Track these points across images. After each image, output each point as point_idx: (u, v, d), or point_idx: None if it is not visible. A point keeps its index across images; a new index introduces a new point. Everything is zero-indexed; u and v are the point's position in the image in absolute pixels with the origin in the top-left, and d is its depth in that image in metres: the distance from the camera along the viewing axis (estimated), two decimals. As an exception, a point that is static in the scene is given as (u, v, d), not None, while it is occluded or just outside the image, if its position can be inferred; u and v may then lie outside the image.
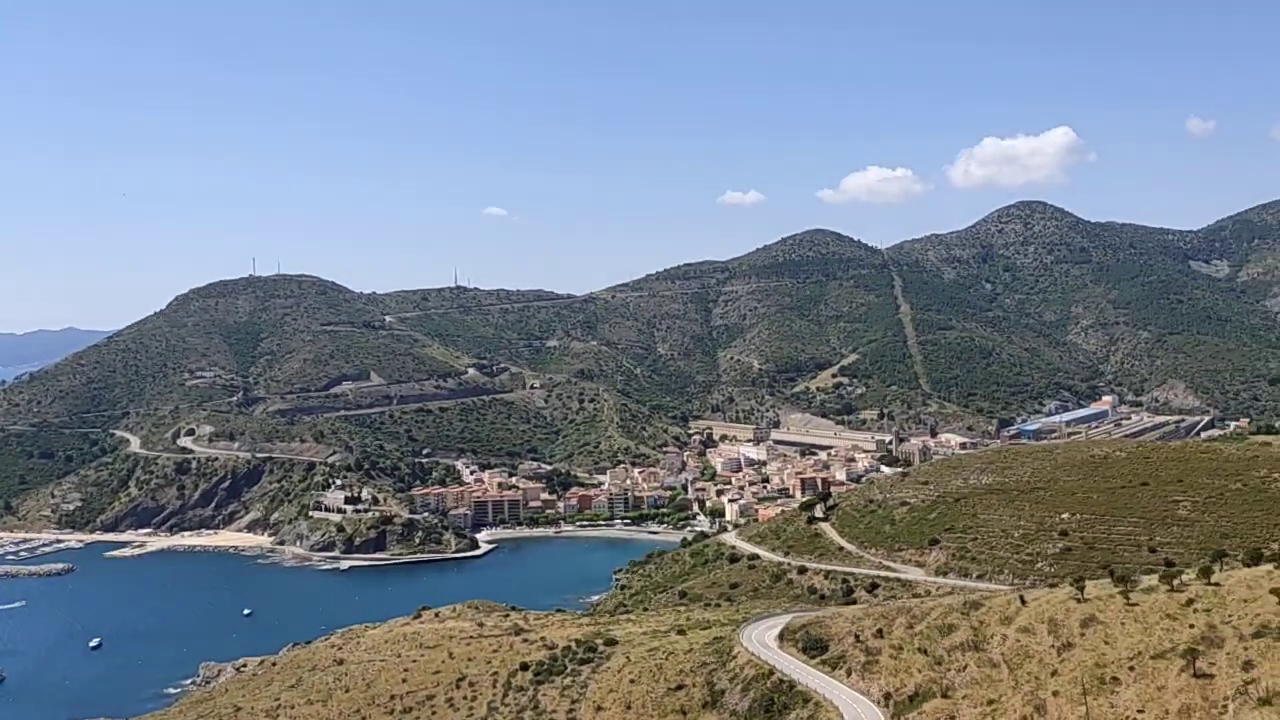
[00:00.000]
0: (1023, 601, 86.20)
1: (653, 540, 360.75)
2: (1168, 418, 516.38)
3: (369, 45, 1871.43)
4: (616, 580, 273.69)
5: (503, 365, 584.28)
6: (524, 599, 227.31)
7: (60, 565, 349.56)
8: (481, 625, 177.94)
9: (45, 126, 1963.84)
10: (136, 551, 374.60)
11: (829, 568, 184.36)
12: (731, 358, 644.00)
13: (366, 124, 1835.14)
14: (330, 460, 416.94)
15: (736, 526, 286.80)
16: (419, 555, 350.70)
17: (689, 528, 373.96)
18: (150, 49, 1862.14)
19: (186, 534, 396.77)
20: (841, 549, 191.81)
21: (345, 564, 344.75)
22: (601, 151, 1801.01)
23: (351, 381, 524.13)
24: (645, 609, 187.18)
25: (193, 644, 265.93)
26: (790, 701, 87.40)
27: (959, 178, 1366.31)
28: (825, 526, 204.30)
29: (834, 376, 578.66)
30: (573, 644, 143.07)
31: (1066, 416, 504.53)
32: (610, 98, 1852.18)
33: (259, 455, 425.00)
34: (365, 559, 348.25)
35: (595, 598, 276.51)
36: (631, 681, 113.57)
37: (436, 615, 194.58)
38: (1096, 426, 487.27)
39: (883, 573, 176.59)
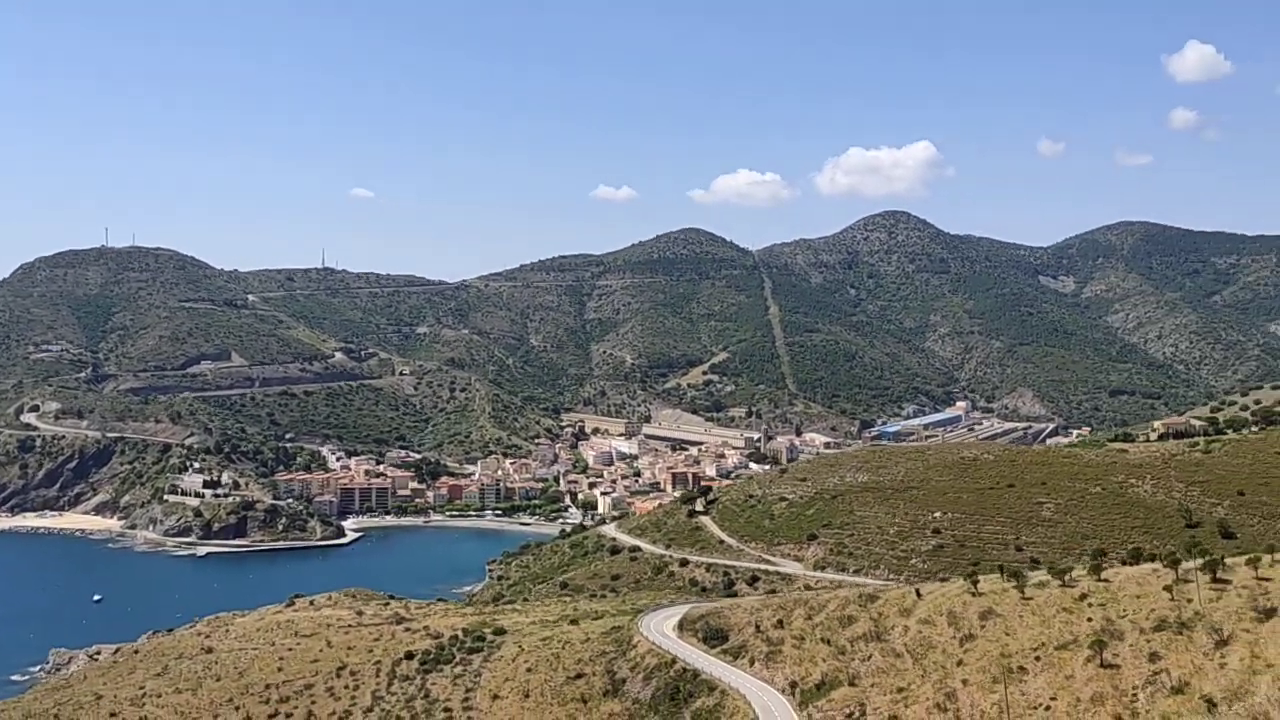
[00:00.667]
0: (919, 595, 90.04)
1: (525, 532, 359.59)
2: (1016, 424, 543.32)
3: (228, 12, 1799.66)
4: (490, 571, 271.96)
5: (371, 350, 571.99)
6: (394, 588, 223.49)
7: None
8: (360, 614, 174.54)
9: None
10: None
11: (710, 560, 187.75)
12: (604, 352, 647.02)
13: (225, 94, 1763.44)
14: (188, 442, 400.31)
15: (611, 520, 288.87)
16: (282, 543, 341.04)
17: (561, 520, 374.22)
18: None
19: (29, 515, 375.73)
20: (722, 542, 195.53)
21: (202, 550, 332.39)
22: (472, 137, 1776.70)
23: (211, 361, 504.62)
24: (527, 600, 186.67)
25: (40, 629, 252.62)
26: (695, 690, 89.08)
27: (825, 185, 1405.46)
28: (706, 520, 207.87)
29: (705, 374, 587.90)
30: (460, 633, 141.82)
31: (923, 420, 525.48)
32: (482, 81, 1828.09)
33: (109, 435, 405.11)
34: (225, 545, 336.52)
35: (468, 588, 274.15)
36: (528, 670, 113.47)
37: (311, 603, 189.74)
38: (951, 430, 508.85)
39: (763, 566, 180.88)
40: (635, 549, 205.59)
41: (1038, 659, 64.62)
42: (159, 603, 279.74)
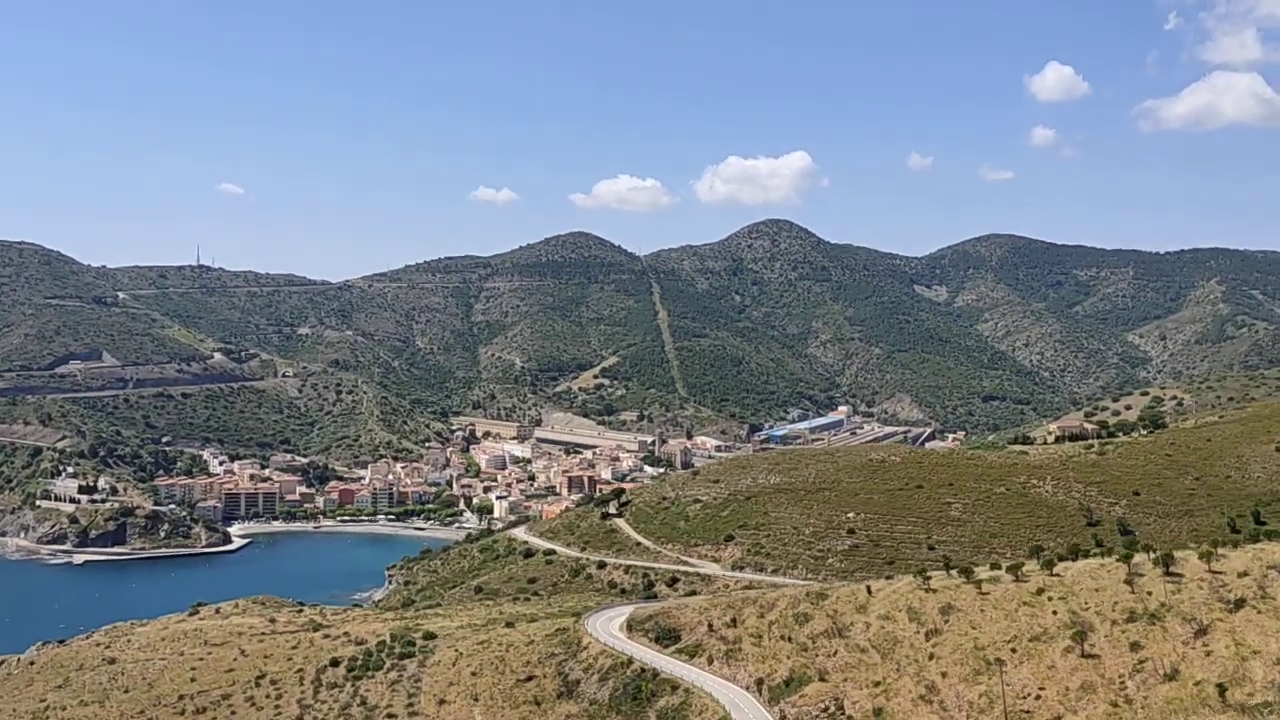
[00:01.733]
0: (870, 592, 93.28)
1: (420, 537, 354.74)
2: (896, 428, 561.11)
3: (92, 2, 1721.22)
4: (391, 576, 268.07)
5: (252, 352, 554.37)
6: (289, 596, 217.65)
7: None
8: (274, 621, 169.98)
9: None
10: None
11: (628, 563, 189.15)
12: (493, 355, 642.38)
13: (88, 84, 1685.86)
14: (60, 445, 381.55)
15: (511, 523, 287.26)
16: (164, 550, 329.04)
17: (458, 524, 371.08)
18: None
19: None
20: (638, 544, 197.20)
21: (80, 558, 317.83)
22: (346, 128, 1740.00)
23: (81, 361, 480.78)
24: (443, 604, 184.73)
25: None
26: (657, 689, 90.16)
27: (704, 192, 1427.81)
28: (620, 523, 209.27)
29: (595, 378, 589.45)
30: (387, 638, 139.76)
31: (808, 424, 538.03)
32: (358, 67, 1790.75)
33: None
34: (103, 553, 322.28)
35: (367, 594, 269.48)
36: (473, 674, 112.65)
37: (218, 611, 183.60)
38: (835, 434, 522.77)
39: (681, 567, 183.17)
40: (550, 552, 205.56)
41: (1014, 651, 68.04)
42: (38, 613, 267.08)
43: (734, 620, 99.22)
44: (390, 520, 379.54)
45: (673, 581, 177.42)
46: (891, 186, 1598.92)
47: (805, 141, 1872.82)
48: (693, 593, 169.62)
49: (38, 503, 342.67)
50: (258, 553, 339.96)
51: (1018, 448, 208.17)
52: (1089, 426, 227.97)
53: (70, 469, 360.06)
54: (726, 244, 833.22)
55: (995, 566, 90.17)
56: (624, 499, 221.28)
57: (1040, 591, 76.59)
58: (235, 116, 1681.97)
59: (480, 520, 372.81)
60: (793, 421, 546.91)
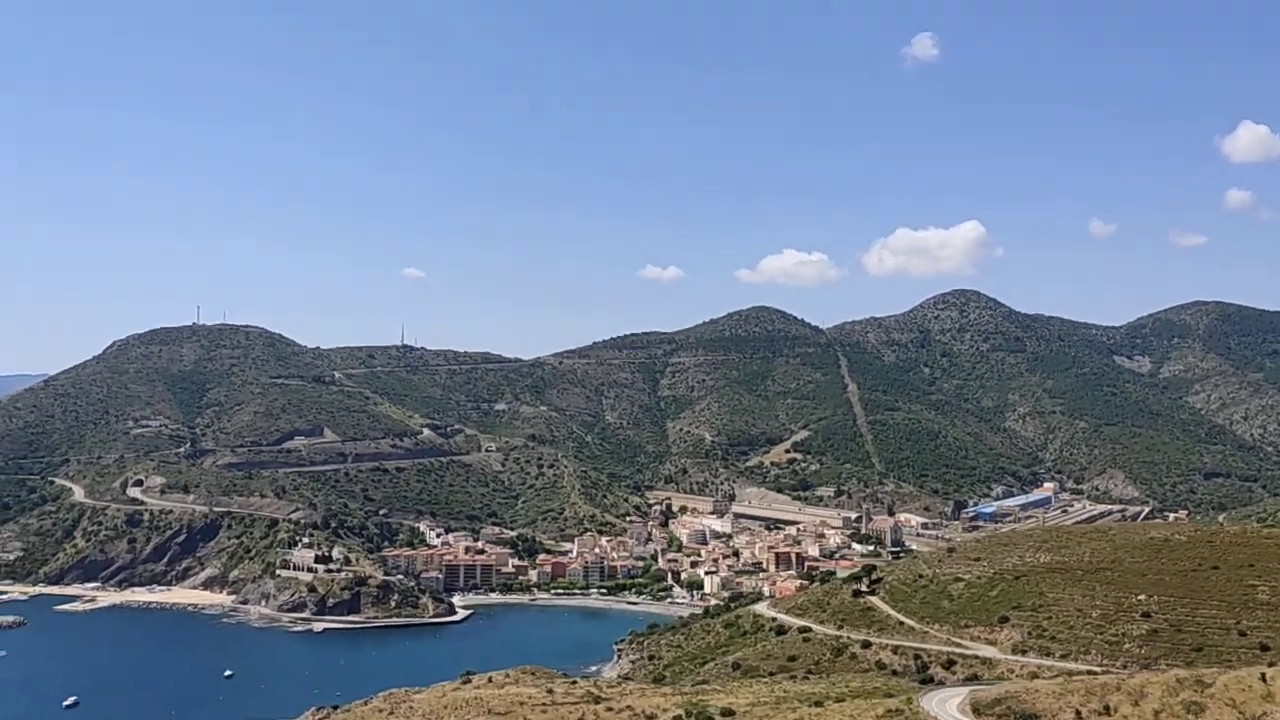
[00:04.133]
0: (1264, 679, 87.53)
1: (633, 611, 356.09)
2: (1110, 506, 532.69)
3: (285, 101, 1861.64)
4: (620, 651, 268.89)
5: (456, 427, 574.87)
6: (516, 666, 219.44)
7: (10, 618, 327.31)
8: (550, 691, 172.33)
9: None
10: (88, 606, 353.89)
11: (894, 642, 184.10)
12: (681, 429, 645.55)
13: (291, 183, 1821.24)
14: (294, 517, 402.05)
15: (753, 600, 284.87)
16: (395, 619, 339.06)
17: (669, 600, 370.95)
18: (79, 106, 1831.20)
19: (139, 589, 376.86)
20: (901, 624, 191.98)
21: (319, 625, 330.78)
22: (512, 202, 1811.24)
23: (305, 437, 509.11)
24: (706, 680, 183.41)
25: (175, 705, 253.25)
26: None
27: (873, 264, 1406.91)
28: (875, 601, 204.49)
29: (787, 452, 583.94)
30: (681, 714, 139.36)
31: (1016, 500, 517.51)
32: (520, 175, 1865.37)
33: (216, 509, 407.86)
34: (339, 621, 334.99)
35: (596, 667, 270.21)
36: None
37: (490, 680, 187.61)
38: (1046, 512, 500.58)
39: (954, 649, 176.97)
40: (804, 629, 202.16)
41: None
42: (290, 679, 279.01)
43: (1107, 708, 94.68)
44: (602, 594, 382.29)
45: (949, 664, 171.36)
46: (1072, 254, 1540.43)
47: (977, 210, 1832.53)
48: (974, 677, 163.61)
49: (278, 572, 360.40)
50: (481, 624, 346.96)
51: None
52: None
53: (305, 539, 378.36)
54: (912, 315, 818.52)
55: None
56: (875, 576, 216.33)
57: None
58: (406, 205, 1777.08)
59: (691, 595, 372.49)
60: (998, 498, 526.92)
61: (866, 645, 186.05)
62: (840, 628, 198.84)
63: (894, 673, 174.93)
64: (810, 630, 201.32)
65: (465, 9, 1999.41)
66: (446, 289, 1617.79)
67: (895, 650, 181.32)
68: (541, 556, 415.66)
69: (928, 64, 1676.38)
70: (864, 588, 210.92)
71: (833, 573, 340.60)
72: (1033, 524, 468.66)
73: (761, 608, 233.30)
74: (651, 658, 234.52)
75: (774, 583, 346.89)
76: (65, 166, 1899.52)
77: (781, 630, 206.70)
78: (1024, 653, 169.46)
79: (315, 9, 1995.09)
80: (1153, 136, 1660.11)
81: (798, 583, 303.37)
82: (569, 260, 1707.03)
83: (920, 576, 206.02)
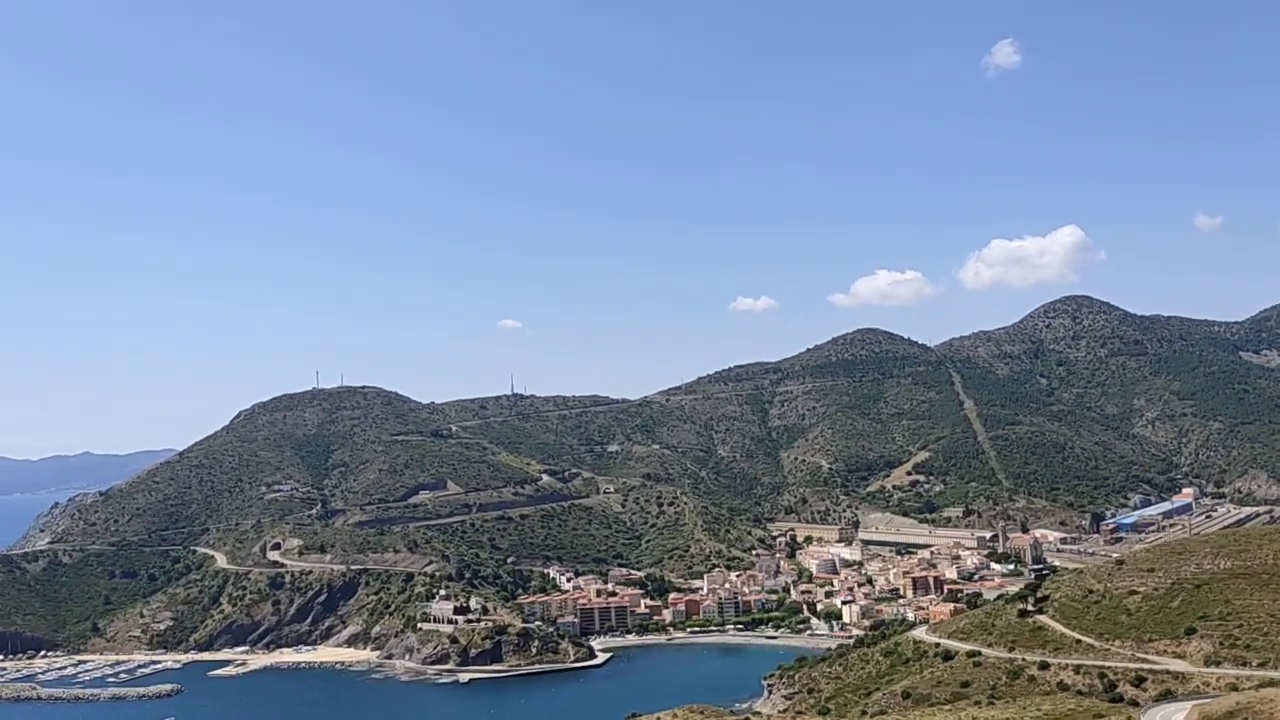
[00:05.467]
0: None
1: (772, 645, 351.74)
2: (1257, 508, 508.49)
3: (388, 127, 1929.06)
4: (770, 685, 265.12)
5: (573, 471, 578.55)
6: (666, 706, 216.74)
7: (169, 686, 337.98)
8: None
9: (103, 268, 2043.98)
10: (240, 670, 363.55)
11: (1075, 662, 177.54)
12: (796, 458, 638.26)
13: (388, 260, 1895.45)
14: (428, 570, 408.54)
15: (908, 626, 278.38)
16: (537, 666, 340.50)
17: (809, 632, 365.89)
18: (183, 184, 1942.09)
19: (285, 650, 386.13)
20: (1078, 642, 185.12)
21: (464, 676, 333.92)
22: (599, 253, 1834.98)
23: (429, 490, 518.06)
24: (880, 711, 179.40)
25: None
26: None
27: (970, 278, 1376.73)
28: (1045, 619, 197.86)
29: (909, 474, 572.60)
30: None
31: (1158, 509, 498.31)
32: (602, 226, 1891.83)
33: (354, 567, 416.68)
34: (483, 671, 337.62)
35: (746, 703, 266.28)
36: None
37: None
38: (1191, 518, 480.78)
39: (1140, 665, 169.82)
40: (973, 653, 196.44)
41: None
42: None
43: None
44: (738, 630, 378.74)
45: (1138, 681, 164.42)
46: (1179, 251, 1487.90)
47: (1074, 215, 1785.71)
48: (1167, 693, 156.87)
49: (419, 625, 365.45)
50: (622, 666, 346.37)
51: None
52: None
53: (443, 591, 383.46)
54: (1022, 326, 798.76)
55: None
56: (1041, 594, 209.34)
57: None
58: (499, 261, 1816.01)
59: (830, 626, 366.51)
60: (1137, 507, 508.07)
61: (1044, 666, 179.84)
62: (1012, 649, 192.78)
63: (1079, 693, 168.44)
64: (980, 654, 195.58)
65: (538, 72, 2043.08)
66: (543, 338, 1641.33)
67: (1077, 670, 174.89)
68: (673, 595, 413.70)
69: (1010, 71, 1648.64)
70: (1030, 606, 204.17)
71: (979, 594, 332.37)
72: (1178, 531, 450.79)
73: (920, 633, 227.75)
74: (810, 690, 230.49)
75: (917, 607, 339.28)
76: (180, 245, 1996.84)
77: (948, 655, 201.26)
78: (1218, 664, 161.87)
79: (399, 82, 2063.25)
80: (1251, 122, 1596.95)
81: (950, 606, 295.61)
82: (659, 302, 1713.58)
83: (1090, 592, 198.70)
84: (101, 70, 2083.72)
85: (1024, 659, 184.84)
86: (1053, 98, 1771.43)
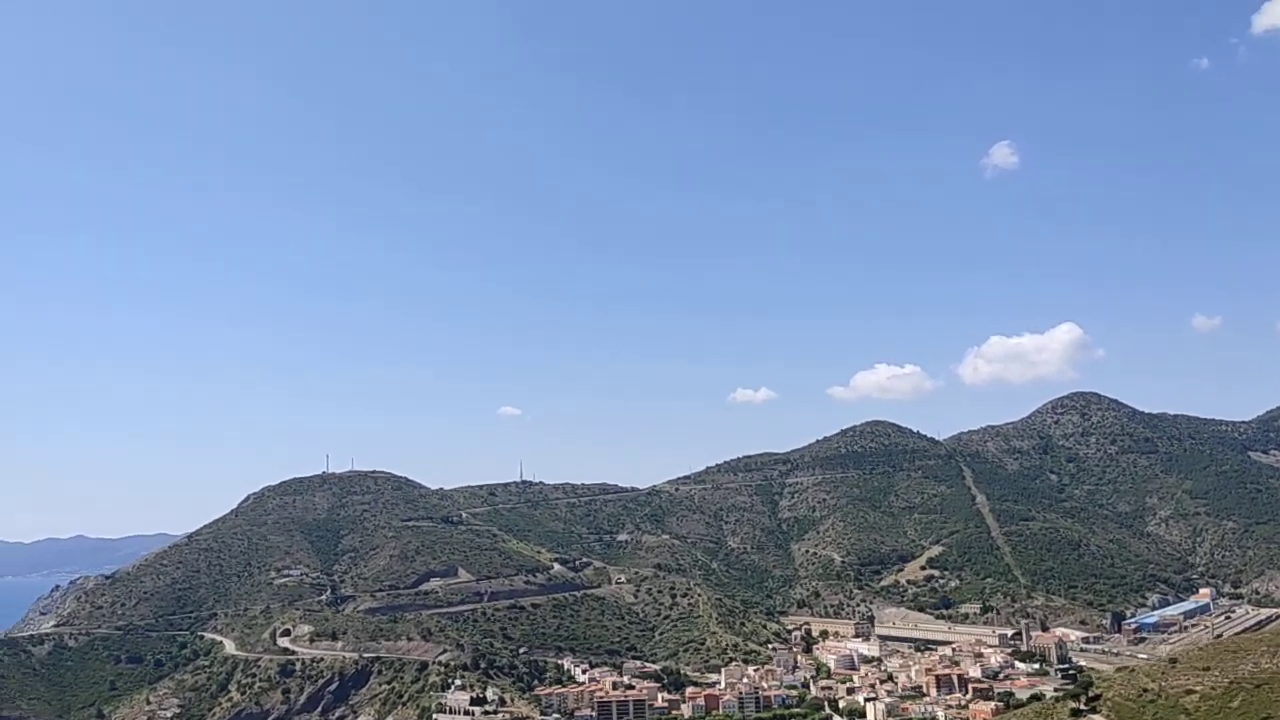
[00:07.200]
0: None
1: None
2: (1276, 610, 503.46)
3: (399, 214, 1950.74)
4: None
5: (585, 560, 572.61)
6: None
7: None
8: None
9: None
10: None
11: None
12: (807, 551, 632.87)
13: (385, 344, 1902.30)
14: (442, 659, 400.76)
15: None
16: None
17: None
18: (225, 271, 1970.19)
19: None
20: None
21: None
22: (597, 342, 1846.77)
23: (440, 578, 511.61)
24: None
25: None
26: None
27: (968, 374, 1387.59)
28: (1100, 719, 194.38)
29: (923, 569, 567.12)
30: None
31: (1178, 609, 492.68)
32: (597, 318, 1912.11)
33: (366, 655, 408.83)
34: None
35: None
36: None
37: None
38: (1212, 618, 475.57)
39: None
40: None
41: None
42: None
43: None
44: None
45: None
46: (1177, 351, 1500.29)
47: (1072, 313, 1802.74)
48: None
49: (434, 716, 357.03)
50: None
51: None
52: None
53: (458, 681, 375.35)
54: (1030, 421, 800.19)
55: None
56: (1093, 693, 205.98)
57: None
58: (498, 349, 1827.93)
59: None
60: (1156, 607, 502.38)
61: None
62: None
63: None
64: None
65: (541, 162, 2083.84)
66: (543, 425, 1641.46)
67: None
68: (690, 690, 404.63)
69: (1008, 171, 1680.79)
70: (1083, 706, 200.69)
71: (1010, 693, 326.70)
72: (1201, 632, 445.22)
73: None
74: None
75: (946, 706, 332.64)
76: (181, 322, 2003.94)
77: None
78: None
79: (412, 174, 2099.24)
80: (1249, 223, 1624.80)
81: (990, 705, 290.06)
82: (659, 392, 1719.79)
83: (1145, 691, 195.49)
84: (120, 143, 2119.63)
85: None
86: (1050, 197, 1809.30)
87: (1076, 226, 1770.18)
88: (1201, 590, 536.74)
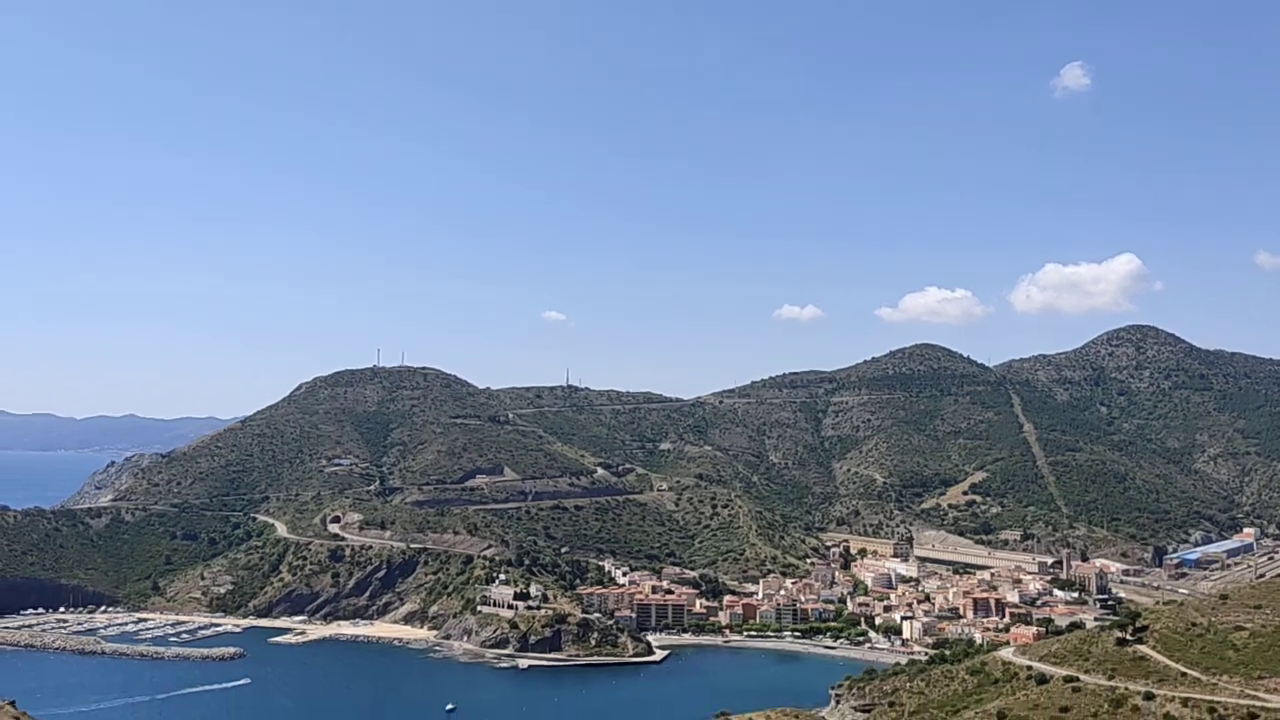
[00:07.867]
0: None
1: (830, 656, 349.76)
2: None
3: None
4: (837, 696, 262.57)
5: (627, 466, 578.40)
6: (732, 708, 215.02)
7: (231, 649, 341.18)
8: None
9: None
10: (299, 639, 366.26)
11: (1183, 695, 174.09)
12: (849, 470, 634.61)
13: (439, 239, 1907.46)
14: (488, 554, 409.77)
15: (990, 648, 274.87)
16: (595, 658, 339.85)
17: (868, 645, 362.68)
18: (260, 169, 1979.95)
19: (343, 623, 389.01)
20: (1184, 675, 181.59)
21: (524, 662, 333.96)
22: (643, 255, 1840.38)
23: (486, 475, 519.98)
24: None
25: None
26: None
27: (1020, 301, 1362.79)
28: (1147, 650, 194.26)
29: (965, 494, 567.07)
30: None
31: (1221, 546, 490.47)
32: (644, 236, 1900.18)
33: (413, 546, 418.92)
34: (542, 658, 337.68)
35: (810, 712, 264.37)
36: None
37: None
38: (1256, 558, 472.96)
39: (1252, 703, 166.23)
40: (1071, 678, 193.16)
41: None
42: (509, 714, 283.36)
43: None
44: (796, 637, 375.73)
45: (1251, 718, 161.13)
46: (1238, 288, 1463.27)
47: (1131, 245, 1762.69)
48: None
49: (478, 608, 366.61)
50: (679, 664, 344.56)
51: None
52: None
53: (503, 576, 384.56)
54: (1083, 352, 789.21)
55: None
56: (1140, 623, 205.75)
57: None
58: (553, 249, 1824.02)
59: (890, 641, 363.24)
60: (1198, 544, 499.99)
61: (1149, 697, 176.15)
62: (1111, 678, 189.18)
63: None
64: (1077, 680, 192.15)
65: (594, 82, 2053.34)
66: (586, 331, 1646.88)
67: (1185, 703, 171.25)
68: (729, 598, 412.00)
69: (1079, 93, 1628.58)
70: (1129, 635, 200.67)
71: (1049, 620, 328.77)
72: (1243, 571, 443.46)
73: (1007, 654, 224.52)
74: (892, 703, 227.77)
75: (984, 629, 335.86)
76: (241, 227, 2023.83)
77: (1043, 679, 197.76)
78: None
79: (475, 91, 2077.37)
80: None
81: (1032, 630, 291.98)
82: (703, 308, 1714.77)
83: (1194, 625, 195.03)
84: (178, 50, 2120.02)
85: (1127, 688, 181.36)
86: (1118, 124, 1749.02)
87: (1142, 156, 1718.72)
88: (1245, 529, 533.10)
